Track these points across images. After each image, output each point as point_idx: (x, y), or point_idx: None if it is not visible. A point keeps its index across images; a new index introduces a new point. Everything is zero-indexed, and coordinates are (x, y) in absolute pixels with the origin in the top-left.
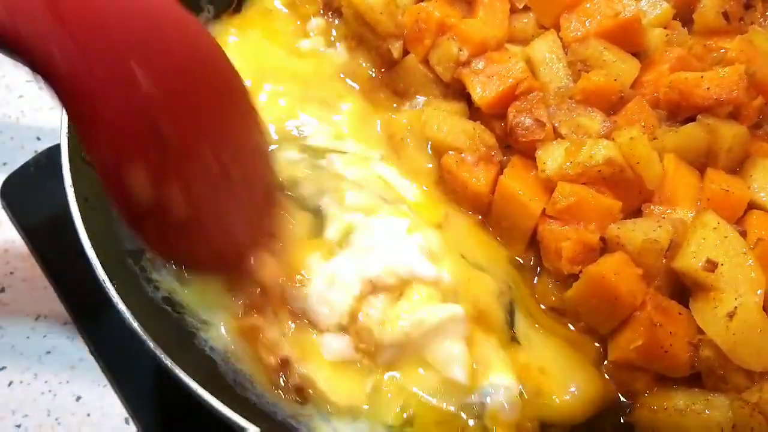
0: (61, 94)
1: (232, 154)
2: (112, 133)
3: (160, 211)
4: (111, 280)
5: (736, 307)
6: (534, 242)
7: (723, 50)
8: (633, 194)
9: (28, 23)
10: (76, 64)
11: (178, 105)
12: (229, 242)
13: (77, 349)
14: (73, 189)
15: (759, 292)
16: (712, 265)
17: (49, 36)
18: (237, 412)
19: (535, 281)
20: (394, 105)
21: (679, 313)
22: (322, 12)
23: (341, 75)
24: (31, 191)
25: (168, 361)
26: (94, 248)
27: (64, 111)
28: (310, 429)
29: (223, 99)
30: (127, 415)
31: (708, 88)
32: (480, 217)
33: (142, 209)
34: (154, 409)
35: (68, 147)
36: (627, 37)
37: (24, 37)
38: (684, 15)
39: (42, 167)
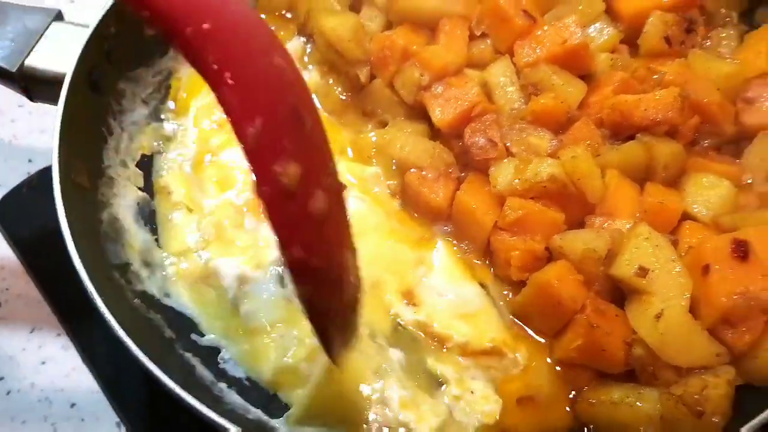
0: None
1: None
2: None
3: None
4: (98, 293)
5: (663, 310)
6: (489, 252)
7: (663, 73)
8: (576, 207)
9: None
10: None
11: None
12: None
13: (71, 358)
14: (64, 209)
15: (686, 295)
16: (643, 272)
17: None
18: (216, 412)
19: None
20: (363, 125)
21: (616, 315)
22: (297, 36)
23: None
24: (25, 211)
25: (151, 366)
26: (82, 264)
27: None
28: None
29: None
30: (118, 420)
31: (645, 110)
32: (445, 228)
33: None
34: (144, 414)
35: (59, 170)
36: (575, 62)
37: None
38: (632, 39)
39: (34, 188)
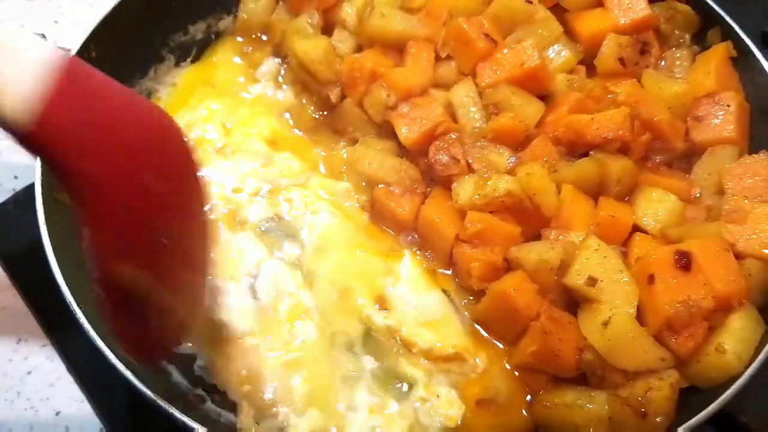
0: (77, 196)
1: (196, 239)
2: (118, 234)
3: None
4: (78, 304)
5: (610, 317)
6: (452, 263)
7: (617, 93)
8: (533, 220)
9: (61, 140)
10: (96, 174)
11: (168, 204)
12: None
13: (56, 368)
14: (45, 225)
15: (633, 303)
16: (593, 281)
17: (75, 151)
18: (190, 417)
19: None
20: (335, 142)
21: (569, 322)
22: (272, 57)
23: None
24: (11, 226)
25: (127, 373)
26: (63, 276)
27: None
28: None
29: (194, 192)
30: (101, 427)
31: (597, 128)
32: (409, 237)
33: (120, 294)
34: (127, 422)
35: (42, 187)
36: (533, 83)
37: (54, 150)
38: (590, 60)
39: (20, 204)
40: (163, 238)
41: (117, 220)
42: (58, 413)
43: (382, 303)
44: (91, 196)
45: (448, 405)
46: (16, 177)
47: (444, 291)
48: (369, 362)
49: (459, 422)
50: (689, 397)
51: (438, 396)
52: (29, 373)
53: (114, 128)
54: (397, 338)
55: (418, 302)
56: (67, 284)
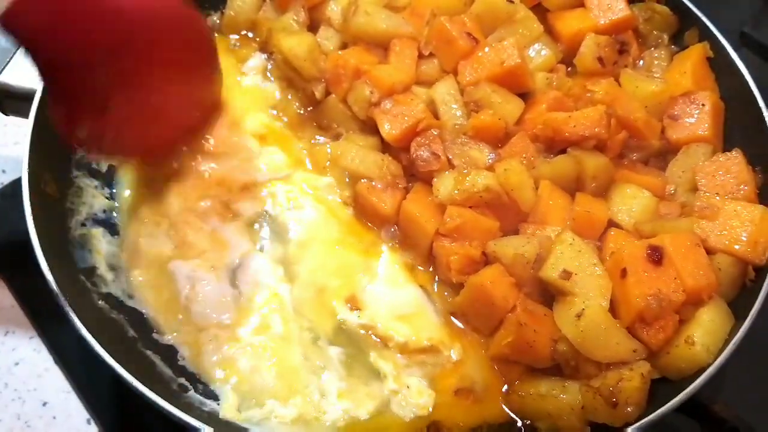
0: (45, 70)
1: (177, 98)
2: (76, 102)
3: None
4: (64, 295)
5: (583, 309)
6: (432, 256)
7: (595, 91)
8: (511, 215)
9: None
10: (54, 62)
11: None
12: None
13: (43, 360)
14: (32, 219)
15: (606, 296)
16: (567, 275)
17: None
18: (174, 405)
19: (435, 289)
20: (319, 138)
21: (544, 315)
22: (259, 53)
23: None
24: None
25: (111, 361)
26: (50, 268)
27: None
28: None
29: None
30: (88, 417)
31: (574, 126)
32: (392, 230)
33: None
34: (113, 410)
35: (29, 181)
36: (513, 81)
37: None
38: (570, 59)
39: (8, 198)
40: (126, 105)
41: (74, 98)
42: (45, 403)
43: (354, 303)
44: (49, 74)
45: (419, 395)
46: (4, 171)
47: (421, 287)
48: (335, 352)
49: (430, 410)
50: (660, 388)
51: (408, 387)
52: (17, 364)
53: (80, 23)
54: (372, 334)
55: (394, 297)
56: (54, 277)
